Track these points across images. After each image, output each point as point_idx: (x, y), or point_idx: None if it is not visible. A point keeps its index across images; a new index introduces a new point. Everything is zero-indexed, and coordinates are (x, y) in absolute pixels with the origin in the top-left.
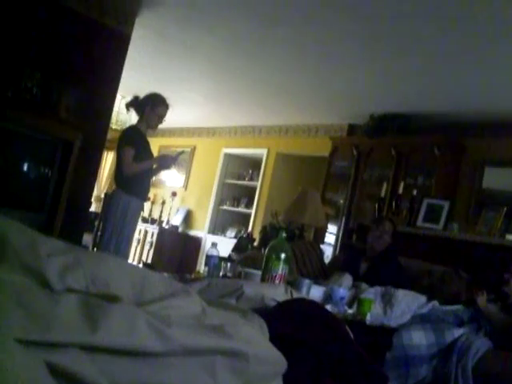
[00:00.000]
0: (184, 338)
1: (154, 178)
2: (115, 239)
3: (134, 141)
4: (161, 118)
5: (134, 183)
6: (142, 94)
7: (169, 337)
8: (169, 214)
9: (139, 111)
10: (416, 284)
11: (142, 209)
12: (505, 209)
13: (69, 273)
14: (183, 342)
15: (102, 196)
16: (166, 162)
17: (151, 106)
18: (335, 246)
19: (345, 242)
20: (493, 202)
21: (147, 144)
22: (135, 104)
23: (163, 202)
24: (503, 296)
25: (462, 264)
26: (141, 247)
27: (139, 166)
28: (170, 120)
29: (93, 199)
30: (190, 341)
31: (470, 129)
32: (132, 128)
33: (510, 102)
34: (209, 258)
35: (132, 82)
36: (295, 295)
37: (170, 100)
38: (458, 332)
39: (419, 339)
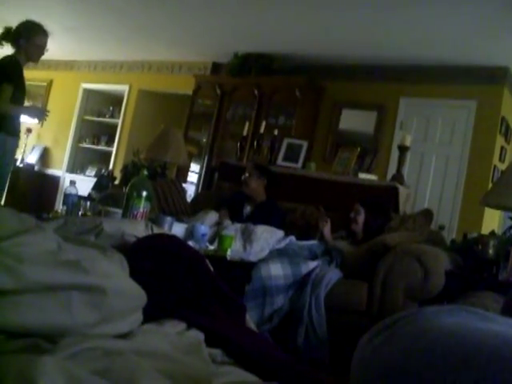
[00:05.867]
0: (38, 274)
1: None
2: None
3: (13, 77)
4: (41, 48)
5: (6, 121)
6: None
7: (21, 274)
8: (23, 151)
9: (14, 45)
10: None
11: (17, 146)
12: (358, 149)
13: None
14: (37, 278)
15: None
16: (37, 114)
17: (26, 38)
18: (198, 185)
19: (216, 183)
20: (348, 143)
21: (23, 80)
22: (8, 37)
23: None
24: (352, 234)
25: (320, 201)
26: None
27: (12, 109)
28: None
29: None
30: (44, 277)
31: (330, 72)
32: (11, 60)
33: (365, 48)
34: (67, 196)
35: None
36: (156, 231)
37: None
38: (312, 264)
39: (276, 270)
